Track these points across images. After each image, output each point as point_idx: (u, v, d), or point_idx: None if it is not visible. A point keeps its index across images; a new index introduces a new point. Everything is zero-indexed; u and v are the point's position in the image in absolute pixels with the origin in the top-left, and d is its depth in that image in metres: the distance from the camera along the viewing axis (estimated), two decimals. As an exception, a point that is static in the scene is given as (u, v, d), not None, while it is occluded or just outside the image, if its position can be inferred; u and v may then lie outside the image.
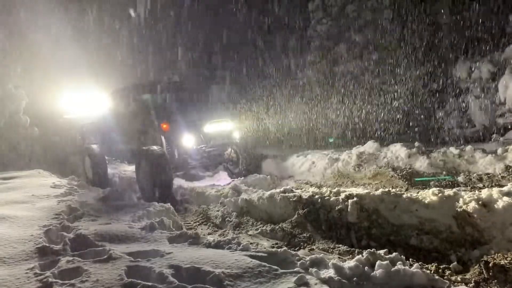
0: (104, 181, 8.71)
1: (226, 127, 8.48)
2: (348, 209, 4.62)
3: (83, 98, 11.45)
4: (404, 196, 4.52)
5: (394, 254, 3.45)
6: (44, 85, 11.91)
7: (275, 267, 3.12)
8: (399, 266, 3.01)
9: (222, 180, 8.84)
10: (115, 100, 9.26)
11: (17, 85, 11.79)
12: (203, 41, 15.70)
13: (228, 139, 8.52)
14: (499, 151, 6.75)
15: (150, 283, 2.95)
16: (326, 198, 5.04)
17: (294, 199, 5.26)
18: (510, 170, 6.24)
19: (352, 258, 3.54)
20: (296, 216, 4.98)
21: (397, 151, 7.60)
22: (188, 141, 7.86)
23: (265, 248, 4.03)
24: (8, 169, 9.82)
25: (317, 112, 11.89)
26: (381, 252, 3.50)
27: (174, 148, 7.89)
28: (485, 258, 3.27)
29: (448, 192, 4.39)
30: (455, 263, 3.50)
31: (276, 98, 13.10)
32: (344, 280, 2.89)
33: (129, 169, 9.83)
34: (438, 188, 4.64)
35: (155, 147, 7.39)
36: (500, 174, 6.25)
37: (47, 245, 3.85)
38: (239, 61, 15.43)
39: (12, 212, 5.04)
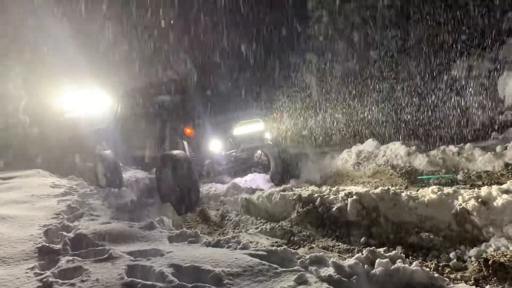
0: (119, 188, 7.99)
1: (256, 128, 7.60)
2: (348, 208, 4.62)
3: (84, 97, 11.39)
4: (404, 194, 4.53)
5: (393, 252, 3.46)
6: (43, 84, 11.88)
7: (275, 265, 3.12)
8: (398, 264, 3.02)
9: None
10: (128, 102, 8.51)
11: (16, 85, 11.77)
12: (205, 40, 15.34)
13: (260, 142, 7.65)
14: (498, 148, 6.76)
15: (150, 282, 2.96)
16: (325, 196, 5.05)
17: (293, 198, 5.27)
18: (509, 167, 6.24)
19: (352, 256, 3.55)
20: (295, 214, 4.99)
21: (397, 149, 7.60)
22: (215, 147, 7.04)
23: (265, 246, 4.05)
24: (8, 169, 9.82)
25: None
26: (381, 250, 3.50)
27: (199, 155, 7.11)
28: (484, 255, 3.27)
29: (448, 190, 4.40)
30: (455, 260, 3.51)
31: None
32: (344, 278, 2.90)
33: (144, 175, 9.24)
34: (437, 186, 4.65)
35: (177, 152, 6.72)
36: (499, 171, 6.25)
37: (47, 244, 3.86)
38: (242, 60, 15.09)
39: (12, 212, 5.05)
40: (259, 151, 8.07)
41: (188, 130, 6.99)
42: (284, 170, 7.85)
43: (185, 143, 7.06)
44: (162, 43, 14.91)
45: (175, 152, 6.71)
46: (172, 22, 14.59)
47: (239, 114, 7.60)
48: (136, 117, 8.11)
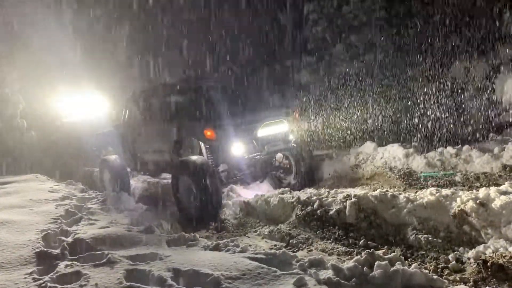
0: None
1: (281, 129, 7.01)
2: (346, 210, 4.63)
3: (83, 101, 11.33)
4: (402, 196, 4.54)
5: (392, 254, 3.46)
6: (41, 88, 11.87)
7: (274, 268, 3.13)
8: (397, 266, 3.02)
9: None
10: (137, 104, 8.01)
11: (13, 89, 11.77)
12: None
13: (284, 144, 7.06)
14: (496, 150, 6.77)
15: (149, 287, 2.96)
16: (324, 199, 5.06)
17: (292, 201, 5.27)
18: (507, 169, 6.26)
19: (351, 258, 3.55)
20: (294, 217, 4.99)
21: (395, 151, 7.61)
22: (238, 150, 6.45)
23: (263, 249, 4.04)
24: (6, 174, 9.80)
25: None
26: (380, 252, 3.51)
27: (220, 159, 6.52)
28: (483, 257, 3.28)
29: (446, 191, 4.41)
30: (454, 262, 3.51)
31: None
32: (343, 281, 2.90)
33: (144, 179, 9.03)
34: (435, 188, 4.66)
35: (196, 157, 6.10)
36: (497, 173, 6.27)
37: (45, 249, 3.86)
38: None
39: (10, 216, 5.04)
40: (279, 154, 7.47)
41: (208, 132, 6.32)
42: (308, 175, 7.38)
43: (203, 146, 6.50)
44: (176, 41, 14.66)
45: (194, 157, 6.09)
46: (186, 19, 14.33)
47: (262, 114, 7.04)
48: (147, 120, 7.65)
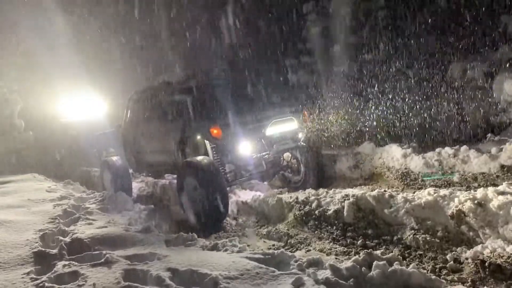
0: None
1: (290, 127, 6.73)
2: (345, 210, 4.64)
3: (81, 102, 11.30)
4: (400, 196, 4.55)
5: (390, 254, 3.47)
6: (39, 89, 11.87)
7: (272, 268, 3.12)
8: (396, 266, 3.02)
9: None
10: (140, 104, 7.81)
11: (12, 89, 11.76)
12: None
13: (294, 142, 6.83)
14: (494, 150, 6.77)
15: (147, 287, 2.95)
16: (322, 199, 5.06)
17: (290, 201, 5.28)
18: (504, 169, 6.26)
19: (349, 258, 3.55)
20: (292, 217, 4.99)
21: (393, 152, 7.61)
22: (246, 149, 6.18)
23: (262, 249, 4.05)
24: (3, 174, 9.79)
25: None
26: (378, 252, 3.51)
27: (227, 159, 6.24)
28: (481, 257, 3.28)
29: (444, 191, 4.41)
30: (452, 262, 3.51)
31: None
32: (341, 281, 2.90)
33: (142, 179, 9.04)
34: (433, 188, 4.67)
35: (202, 158, 5.78)
36: (495, 173, 6.27)
37: (43, 249, 3.85)
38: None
39: (8, 216, 5.03)
40: (286, 154, 7.22)
41: (215, 131, 6.00)
42: (317, 175, 7.14)
43: (209, 146, 6.18)
44: (177, 40, 14.57)
45: (200, 158, 5.78)
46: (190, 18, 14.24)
47: (271, 111, 6.74)
48: (149, 120, 7.42)
